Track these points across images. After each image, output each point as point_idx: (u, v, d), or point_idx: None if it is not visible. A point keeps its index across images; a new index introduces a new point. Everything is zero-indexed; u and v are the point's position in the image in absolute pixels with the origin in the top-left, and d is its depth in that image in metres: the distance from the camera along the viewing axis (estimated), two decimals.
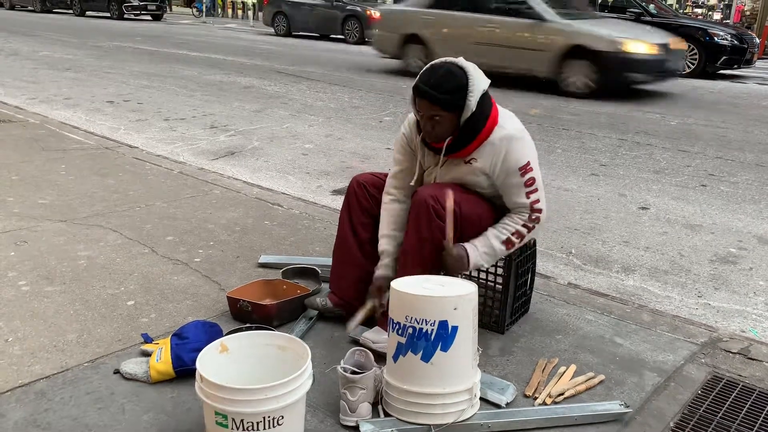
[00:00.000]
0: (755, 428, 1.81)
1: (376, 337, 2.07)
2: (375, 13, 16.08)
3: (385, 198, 2.24)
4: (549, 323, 2.40)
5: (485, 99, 1.99)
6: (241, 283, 2.59)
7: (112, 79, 8.92)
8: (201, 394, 1.52)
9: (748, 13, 24.18)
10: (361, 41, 16.13)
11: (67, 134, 5.29)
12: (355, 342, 2.14)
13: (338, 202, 4.02)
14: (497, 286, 2.30)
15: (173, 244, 3.02)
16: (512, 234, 2.07)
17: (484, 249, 2.05)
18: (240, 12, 28.77)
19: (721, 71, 11.05)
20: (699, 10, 26.59)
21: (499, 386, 1.90)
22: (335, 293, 2.29)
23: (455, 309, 1.68)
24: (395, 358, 1.74)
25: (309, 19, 17.38)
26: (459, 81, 1.94)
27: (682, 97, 8.79)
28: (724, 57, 10.70)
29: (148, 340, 2.12)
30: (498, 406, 1.83)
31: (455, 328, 1.68)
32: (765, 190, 4.48)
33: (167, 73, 9.66)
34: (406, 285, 1.76)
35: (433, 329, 1.67)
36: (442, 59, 2.02)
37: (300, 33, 17.89)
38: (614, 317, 2.48)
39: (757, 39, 11.77)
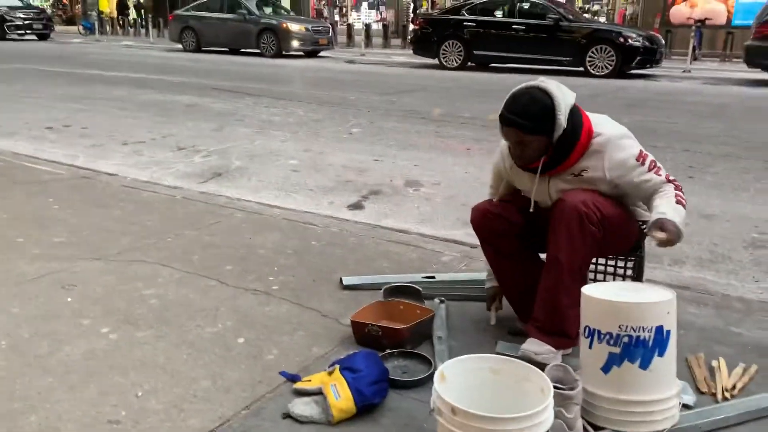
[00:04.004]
0: None
1: (537, 348, 2.02)
2: (291, 26, 16.02)
3: None
4: None
5: (575, 112, 2.00)
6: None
7: (35, 103, 8.24)
8: (458, 429, 1.42)
9: (629, 17, 25.96)
10: (279, 55, 15.91)
11: (29, 165, 4.83)
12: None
13: (362, 216, 3.94)
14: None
15: (238, 273, 2.82)
16: (677, 196, 2.00)
17: (670, 209, 1.94)
18: (132, 29, 27.55)
19: (635, 71, 11.80)
20: (586, 15, 28.25)
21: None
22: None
23: (668, 313, 1.67)
24: (606, 369, 1.70)
25: (220, 33, 16.91)
26: (544, 103, 1.95)
27: (615, 96, 9.29)
28: (639, 58, 11.44)
29: (292, 377, 1.96)
30: (688, 406, 1.84)
31: (669, 332, 1.67)
32: (746, 178, 4.81)
33: (95, 94, 9.06)
34: (612, 294, 1.73)
35: (650, 336, 1.65)
36: (524, 85, 2.02)
37: (210, 48, 17.32)
38: (711, 308, 2.57)
39: (663, 40, 12.68)
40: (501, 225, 2.18)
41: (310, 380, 1.92)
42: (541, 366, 1.90)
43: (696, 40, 15.46)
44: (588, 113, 2.11)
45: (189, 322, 2.35)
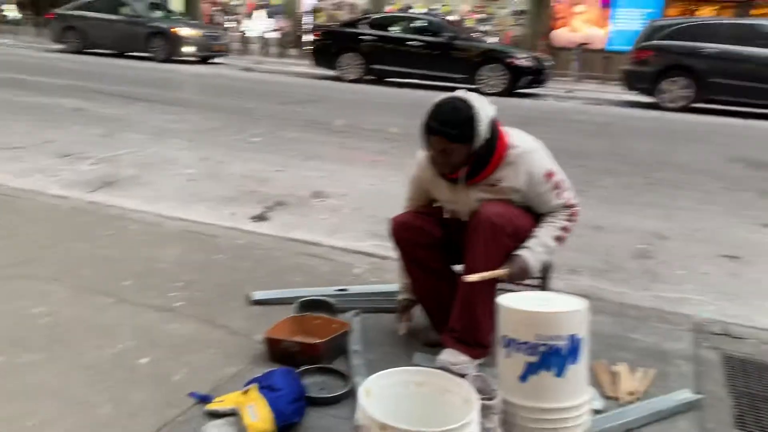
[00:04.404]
0: None
1: (454, 358, 2.04)
2: (183, 31, 15.50)
3: None
4: None
5: (493, 124, 2.08)
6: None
7: None
8: None
9: (516, 39, 27.24)
10: (170, 59, 15.31)
11: None
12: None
13: (267, 227, 3.84)
14: None
15: (137, 288, 2.66)
16: (561, 229, 2.16)
17: (540, 249, 2.11)
18: (6, 26, 25.54)
19: (523, 90, 12.37)
20: (474, 35, 29.32)
21: None
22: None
23: (581, 322, 1.74)
24: (524, 378, 1.73)
25: (106, 34, 15.99)
26: (468, 113, 2.01)
27: (509, 114, 9.59)
28: (527, 78, 12.00)
29: (204, 398, 1.86)
30: (597, 411, 1.91)
31: (581, 340, 1.73)
32: (629, 193, 5.15)
33: None
34: (528, 304, 1.77)
35: (565, 344, 1.70)
36: (446, 96, 2.08)
37: (95, 50, 16.38)
38: (610, 315, 2.70)
39: (548, 61, 13.38)
40: (420, 236, 2.19)
41: (223, 401, 1.83)
42: (459, 376, 1.92)
43: (577, 62, 16.49)
44: (503, 127, 2.17)
45: (85, 342, 2.18)
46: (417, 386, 1.62)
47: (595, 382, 2.10)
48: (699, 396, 2.01)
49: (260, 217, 4.09)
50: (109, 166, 5.17)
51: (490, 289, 2.06)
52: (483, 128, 2.01)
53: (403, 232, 2.20)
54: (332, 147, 6.43)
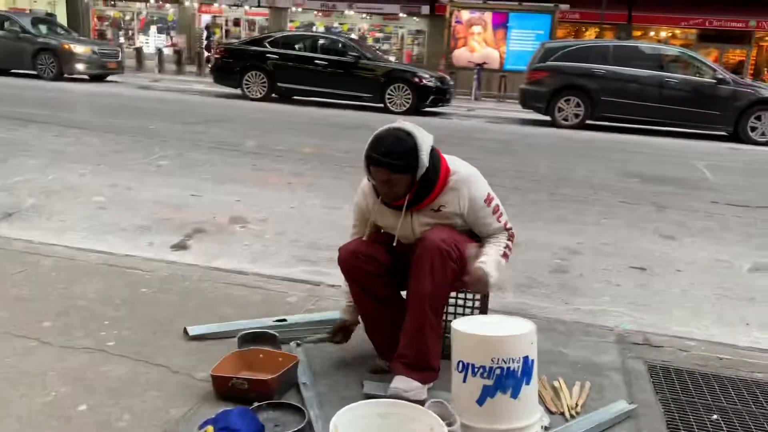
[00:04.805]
0: (712, 397, 2.30)
1: (406, 385, 2.05)
2: (75, 48, 14.76)
3: None
4: None
5: (433, 152, 2.16)
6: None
7: None
8: None
9: (415, 58, 28.02)
10: (60, 77, 14.53)
11: None
12: (370, 396, 2.09)
13: (189, 257, 3.73)
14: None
15: (60, 329, 2.50)
16: (505, 248, 2.26)
17: (493, 263, 2.16)
18: None
19: (429, 109, 12.71)
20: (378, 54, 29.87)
21: None
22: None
23: (531, 343, 1.81)
24: (481, 401, 1.79)
25: None
26: (409, 144, 2.08)
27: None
28: (432, 97, 12.34)
29: None
30: (545, 428, 1.99)
31: (533, 361, 1.81)
32: (537, 209, 5.40)
33: None
34: (481, 328, 1.83)
35: (519, 366, 1.77)
36: (386, 127, 2.14)
37: None
38: (540, 331, 2.72)
39: (452, 81, 13.83)
40: (371, 265, 2.21)
41: None
42: (417, 403, 1.94)
43: (477, 81, 17.14)
44: (443, 154, 2.23)
45: (12, 391, 2.03)
46: (381, 418, 1.63)
47: (538, 398, 2.19)
48: (633, 406, 2.14)
49: (180, 246, 3.96)
50: (7, 195, 4.84)
51: (437, 312, 2.11)
52: (424, 158, 2.07)
53: (352, 260, 2.21)
54: (245, 169, 6.33)
